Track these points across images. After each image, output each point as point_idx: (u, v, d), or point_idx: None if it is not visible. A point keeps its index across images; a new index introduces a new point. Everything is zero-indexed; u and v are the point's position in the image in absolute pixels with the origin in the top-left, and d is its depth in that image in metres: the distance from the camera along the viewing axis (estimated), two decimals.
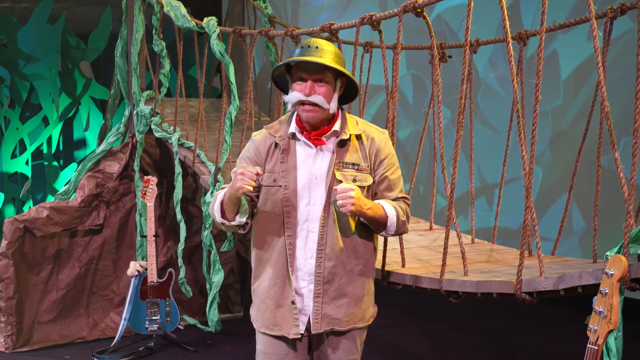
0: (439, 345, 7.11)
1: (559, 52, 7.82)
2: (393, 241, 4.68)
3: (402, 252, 4.58)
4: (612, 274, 2.74)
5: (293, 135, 3.58)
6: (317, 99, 3.45)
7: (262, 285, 3.63)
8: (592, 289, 3.23)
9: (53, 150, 9.32)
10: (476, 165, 7.08)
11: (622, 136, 6.10)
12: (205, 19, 6.72)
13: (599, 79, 3.44)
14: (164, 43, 7.46)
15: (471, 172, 5.57)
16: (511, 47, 3.78)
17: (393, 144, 4.66)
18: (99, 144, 8.12)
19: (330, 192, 3.49)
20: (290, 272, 3.53)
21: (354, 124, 3.64)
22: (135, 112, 7.67)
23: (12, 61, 8.96)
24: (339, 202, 3.35)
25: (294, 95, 3.49)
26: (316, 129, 3.55)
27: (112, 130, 7.87)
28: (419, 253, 5.04)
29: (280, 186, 3.53)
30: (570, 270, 3.69)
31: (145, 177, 7.06)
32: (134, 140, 7.69)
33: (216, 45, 6.51)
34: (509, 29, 3.78)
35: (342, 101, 3.66)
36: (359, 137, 3.61)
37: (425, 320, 7.86)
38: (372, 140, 3.62)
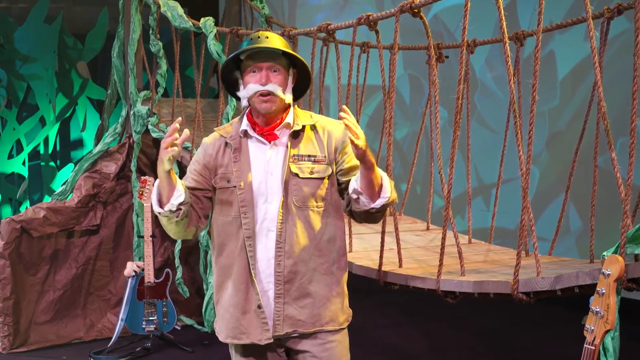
0: (437, 345, 7.11)
1: (556, 52, 7.82)
2: (390, 242, 4.68)
3: (399, 253, 4.58)
4: (609, 274, 2.75)
5: (245, 133, 3.41)
6: (273, 87, 3.30)
7: (225, 294, 3.43)
8: (589, 289, 3.23)
9: (50, 151, 9.32)
10: (473, 166, 7.08)
11: (618, 136, 6.09)
12: (202, 19, 6.72)
13: (596, 79, 3.44)
14: (161, 43, 7.46)
15: (468, 172, 5.57)
16: (508, 48, 3.78)
17: (390, 145, 4.68)
18: (96, 144, 8.12)
19: (286, 186, 3.33)
20: (253, 275, 3.33)
21: (307, 116, 3.48)
22: (132, 112, 7.67)
23: (9, 61, 8.97)
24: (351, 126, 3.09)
25: (250, 87, 3.32)
26: (269, 124, 3.39)
27: (109, 130, 7.86)
28: (416, 253, 5.04)
29: (235, 186, 3.35)
30: (567, 270, 3.69)
31: (142, 178, 7.05)
32: (131, 140, 7.68)
33: (213, 46, 6.51)
34: (505, 29, 3.78)
35: (294, 95, 3.49)
36: (313, 127, 3.44)
37: (423, 320, 7.86)
38: (328, 130, 3.44)
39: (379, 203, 3.29)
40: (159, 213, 3.32)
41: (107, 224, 7.56)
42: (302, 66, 3.45)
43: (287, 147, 3.38)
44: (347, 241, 4.42)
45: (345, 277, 3.51)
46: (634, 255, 3.31)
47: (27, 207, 8.20)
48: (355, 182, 3.28)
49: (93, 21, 9.39)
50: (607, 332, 2.72)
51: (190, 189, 3.39)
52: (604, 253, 3.10)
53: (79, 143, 9.54)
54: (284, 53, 3.37)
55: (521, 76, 5.10)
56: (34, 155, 9.31)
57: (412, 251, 5.09)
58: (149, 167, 7.78)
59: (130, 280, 6.89)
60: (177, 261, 7.32)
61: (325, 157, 3.40)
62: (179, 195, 3.26)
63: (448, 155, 4.17)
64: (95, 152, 7.64)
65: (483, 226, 6.60)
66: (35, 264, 7.07)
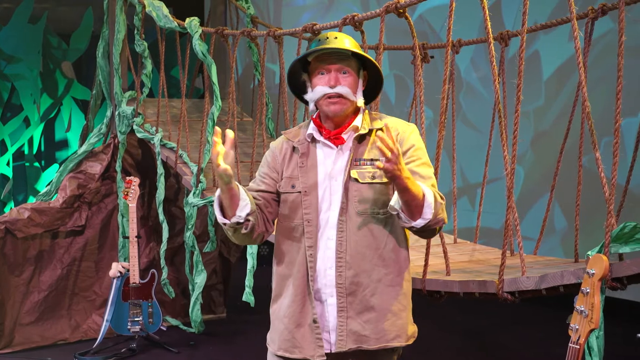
0: (422, 345, 7.08)
1: (541, 53, 7.85)
2: None
3: None
4: (594, 273, 2.76)
5: (312, 138, 3.26)
6: (343, 89, 3.13)
7: (282, 304, 3.26)
8: (574, 288, 3.25)
9: (34, 151, 9.29)
10: (458, 165, 7.09)
11: (603, 136, 6.10)
12: (188, 19, 6.71)
13: (580, 79, 3.46)
14: (145, 43, 7.45)
15: (453, 172, 5.58)
16: (493, 48, 3.79)
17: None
18: (81, 145, 8.09)
19: (346, 192, 3.15)
20: (311, 287, 3.15)
21: (378, 120, 3.27)
22: (117, 112, 7.65)
23: None
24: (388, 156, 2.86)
25: (318, 90, 3.17)
26: (337, 127, 3.23)
27: (94, 131, 7.83)
28: None
29: (300, 192, 3.20)
30: (552, 269, 3.70)
31: (128, 178, 7.04)
32: (116, 141, 7.66)
33: (198, 46, 6.50)
34: (490, 30, 3.79)
35: (366, 99, 3.31)
36: (381, 130, 3.15)
37: None
38: (395, 132, 3.20)
39: (419, 223, 3.07)
40: (224, 224, 3.16)
41: (92, 224, 7.54)
42: (374, 68, 3.28)
43: (350, 150, 3.21)
44: None
45: (410, 288, 3.35)
46: (618, 255, 3.33)
47: (11, 208, 8.18)
48: (393, 199, 3.10)
49: (78, 21, 9.37)
50: (591, 331, 2.73)
51: (260, 192, 3.26)
52: (589, 252, 3.11)
53: (64, 143, 9.51)
54: (355, 54, 3.21)
55: (506, 76, 5.11)
56: (19, 155, 9.28)
57: None
58: (134, 168, 7.76)
59: (115, 281, 6.87)
60: (162, 262, 7.30)
61: None
62: (245, 205, 3.12)
63: (433, 155, 4.18)
64: (80, 153, 7.61)
65: (468, 226, 6.62)
66: (19, 264, 7.03)
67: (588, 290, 2.73)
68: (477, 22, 7.10)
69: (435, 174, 4.07)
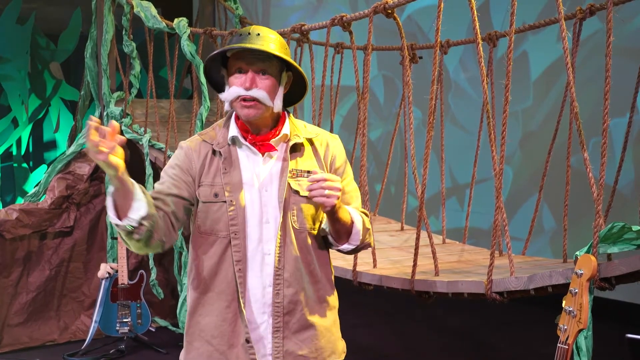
0: (411, 345, 7.12)
1: (529, 53, 7.86)
2: None
3: (373, 253, 4.58)
4: (582, 273, 2.76)
5: (234, 140, 2.97)
6: (258, 93, 2.84)
7: (206, 323, 2.97)
8: (562, 289, 3.25)
9: (23, 152, 9.27)
10: (447, 166, 7.10)
11: (591, 136, 6.14)
12: (176, 20, 6.70)
13: (569, 79, 3.46)
14: (134, 44, 7.44)
15: (442, 172, 5.59)
16: (481, 48, 3.79)
17: (364, 145, 4.67)
18: (69, 146, 8.08)
19: (285, 205, 2.89)
20: (242, 305, 2.89)
21: (304, 127, 3.06)
22: (105, 113, 7.64)
23: None
24: (325, 192, 2.71)
25: (232, 90, 2.88)
26: (259, 133, 2.95)
27: (82, 131, 7.82)
28: (390, 254, 5.05)
29: (225, 202, 2.89)
30: (541, 270, 3.71)
31: None
32: None
33: (187, 46, 6.50)
34: (478, 30, 3.80)
35: (287, 102, 3.07)
36: (310, 141, 3.03)
37: (398, 320, 7.88)
38: (326, 145, 3.05)
39: (345, 248, 3.00)
40: (117, 225, 2.76)
41: (81, 225, 7.52)
42: (298, 72, 3.00)
43: (284, 161, 2.95)
44: None
45: (337, 302, 3.15)
46: (607, 255, 3.33)
47: None
48: (324, 221, 2.96)
49: (66, 22, 9.35)
50: (580, 331, 2.73)
51: (167, 195, 2.90)
52: (577, 253, 3.12)
53: (52, 144, 9.49)
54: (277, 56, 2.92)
55: (494, 77, 5.12)
56: (7, 156, 9.25)
57: (386, 251, 5.10)
58: None
59: (104, 282, 6.86)
60: (151, 262, 7.29)
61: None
62: (140, 207, 2.73)
63: (422, 156, 4.18)
64: (69, 154, 7.60)
65: (457, 226, 6.63)
66: (7, 266, 7.02)
67: (576, 291, 2.74)
68: (466, 22, 7.12)
69: (424, 174, 4.08)
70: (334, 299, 3.09)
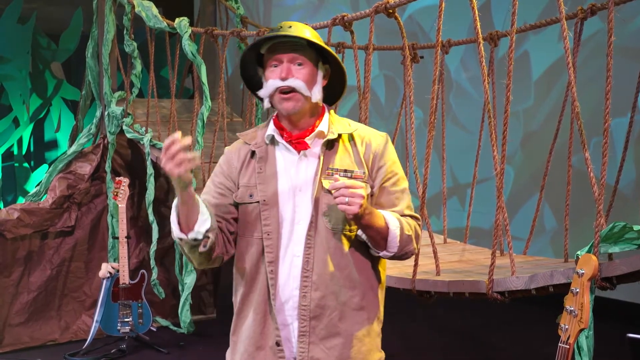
0: (412, 345, 7.12)
1: (530, 53, 7.86)
2: None
3: None
4: (583, 273, 2.76)
5: (271, 140, 2.88)
6: (295, 82, 2.75)
7: (243, 324, 2.94)
8: (564, 288, 3.26)
9: (24, 152, 9.27)
10: (448, 166, 7.10)
11: (592, 136, 6.14)
12: (177, 20, 6.70)
13: (570, 79, 3.46)
14: (135, 44, 7.44)
15: (443, 172, 5.59)
16: (482, 48, 3.80)
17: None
18: (70, 145, 8.07)
19: (317, 205, 2.78)
20: (272, 307, 2.82)
21: (345, 124, 2.94)
22: (106, 113, 7.63)
23: None
24: (345, 200, 2.59)
25: (269, 84, 2.79)
26: (298, 130, 2.86)
27: (83, 131, 7.82)
28: None
29: (258, 202, 2.82)
30: (542, 269, 3.71)
31: (117, 179, 7.03)
32: (106, 141, 7.64)
33: (188, 46, 6.50)
34: (479, 30, 3.80)
35: (327, 100, 2.96)
36: (350, 138, 2.90)
37: (399, 320, 7.87)
38: (367, 142, 2.90)
39: (384, 255, 2.85)
40: (180, 239, 2.75)
41: (82, 225, 7.52)
42: (336, 63, 2.90)
43: (319, 159, 2.84)
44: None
45: (381, 313, 2.96)
46: (608, 255, 3.33)
47: (0, 209, 8.16)
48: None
49: (67, 21, 9.36)
50: (581, 330, 2.73)
51: (217, 206, 2.87)
52: (578, 252, 3.12)
53: (53, 144, 9.49)
54: (311, 44, 2.82)
55: (495, 76, 5.12)
56: (8, 156, 9.26)
57: None
58: (124, 168, 7.75)
59: (105, 281, 6.86)
60: (152, 262, 7.29)
61: (364, 173, 2.83)
62: (205, 220, 2.72)
63: (423, 155, 4.18)
64: (70, 153, 7.60)
65: (458, 226, 6.62)
66: (9, 265, 7.02)
67: (577, 290, 2.74)
68: (467, 22, 7.11)
69: (425, 174, 4.08)
70: (374, 308, 2.92)
